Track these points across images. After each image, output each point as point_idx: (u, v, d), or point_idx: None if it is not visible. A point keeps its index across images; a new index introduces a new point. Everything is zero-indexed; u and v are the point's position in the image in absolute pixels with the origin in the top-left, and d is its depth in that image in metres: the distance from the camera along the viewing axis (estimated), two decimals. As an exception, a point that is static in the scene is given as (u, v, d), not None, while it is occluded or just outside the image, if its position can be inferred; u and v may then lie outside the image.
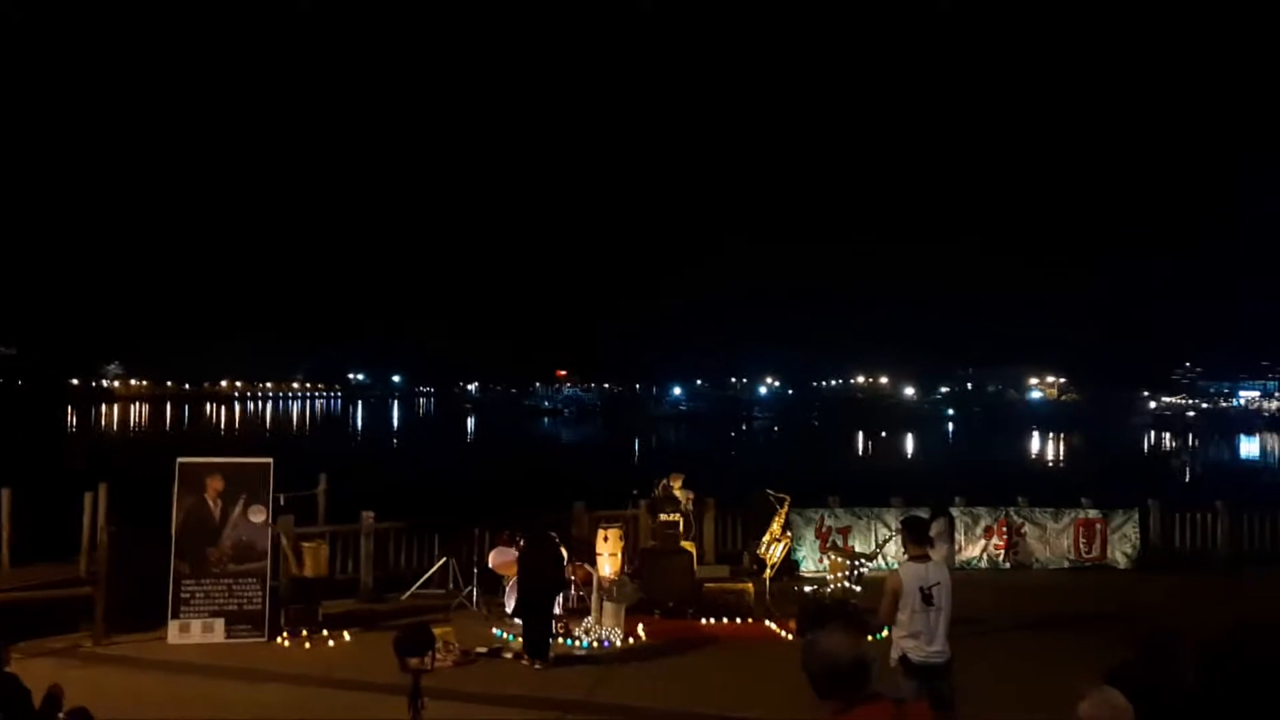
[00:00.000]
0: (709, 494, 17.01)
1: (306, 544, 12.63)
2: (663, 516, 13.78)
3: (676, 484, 14.59)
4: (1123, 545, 17.82)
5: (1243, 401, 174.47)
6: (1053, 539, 17.75)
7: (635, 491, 14.75)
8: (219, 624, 11.81)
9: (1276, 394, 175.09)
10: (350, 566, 14.48)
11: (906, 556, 7.97)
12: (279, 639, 11.87)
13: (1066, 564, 17.62)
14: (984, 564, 17.46)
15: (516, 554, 13.00)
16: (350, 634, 12.12)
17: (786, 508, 14.15)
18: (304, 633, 12.01)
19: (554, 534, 12.24)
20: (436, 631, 11.56)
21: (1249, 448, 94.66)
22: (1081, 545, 17.81)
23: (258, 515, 12.12)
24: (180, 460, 12.22)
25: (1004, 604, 14.49)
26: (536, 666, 10.96)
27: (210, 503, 12.04)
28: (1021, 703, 9.71)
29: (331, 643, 11.87)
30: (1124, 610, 14.15)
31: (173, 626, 11.71)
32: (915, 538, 7.95)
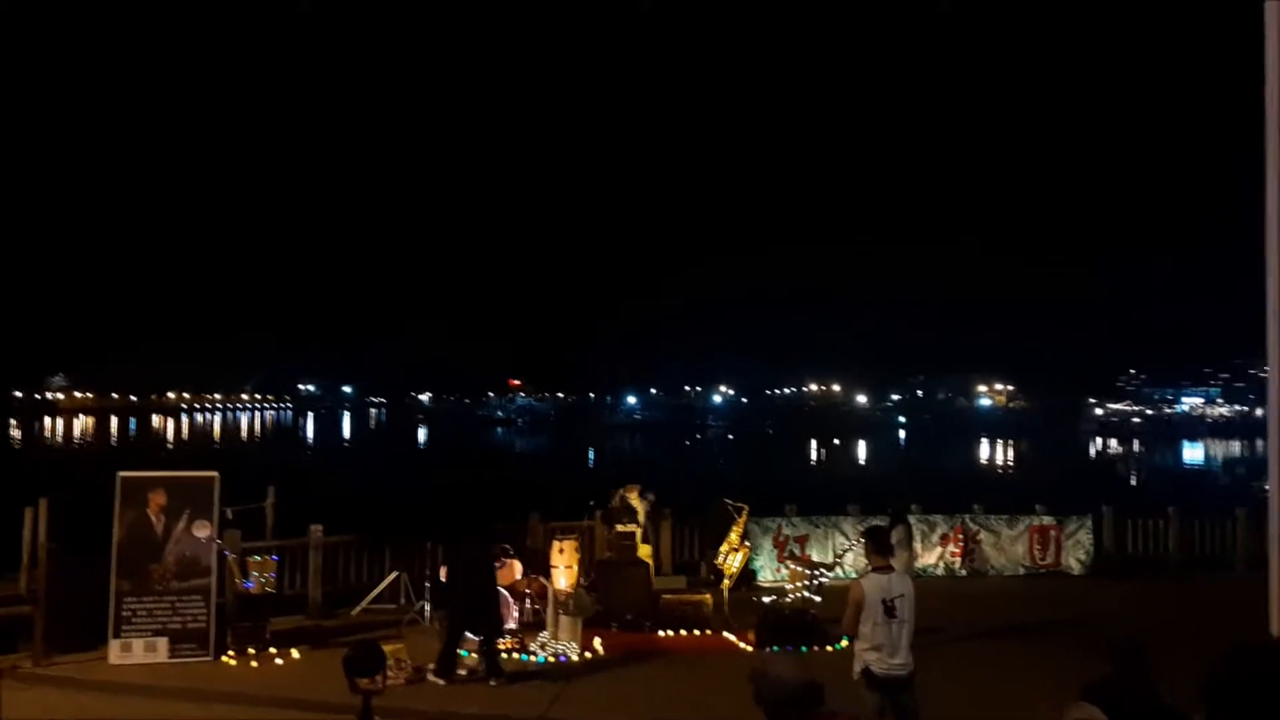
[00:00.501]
0: (665, 504, 16.90)
1: (252, 559, 12.27)
2: (619, 528, 13.61)
3: (633, 495, 14.41)
4: (1076, 551, 17.93)
5: (1186, 408, 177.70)
6: (1008, 546, 17.81)
7: (592, 502, 14.55)
8: (162, 643, 11.42)
9: (1219, 400, 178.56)
10: (299, 581, 14.13)
11: (869, 567, 7.85)
12: (224, 658, 11.52)
13: (1022, 570, 17.68)
14: (940, 571, 17.48)
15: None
16: (299, 651, 11.78)
17: (745, 517, 14.02)
18: (251, 651, 11.66)
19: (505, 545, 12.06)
20: (388, 648, 11.28)
21: (1193, 454, 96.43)
22: (1036, 552, 17.89)
23: (202, 530, 11.77)
24: (121, 475, 11.84)
25: (961, 611, 14.46)
26: (492, 683, 10.72)
27: (153, 518, 11.66)
28: (978, 711, 9.61)
29: (279, 661, 11.54)
30: (1080, 617, 14.19)
31: (114, 646, 11.30)
32: (878, 548, 7.83)
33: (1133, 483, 58.20)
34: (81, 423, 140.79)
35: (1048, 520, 18.03)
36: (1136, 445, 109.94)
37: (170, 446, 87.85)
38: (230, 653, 11.61)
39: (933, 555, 17.55)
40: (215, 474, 12.17)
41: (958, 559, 17.61)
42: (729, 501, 14.16)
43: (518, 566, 12.99)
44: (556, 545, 13.49)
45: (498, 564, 12.82)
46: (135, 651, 11.32)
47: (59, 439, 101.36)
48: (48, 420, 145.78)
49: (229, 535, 13.75)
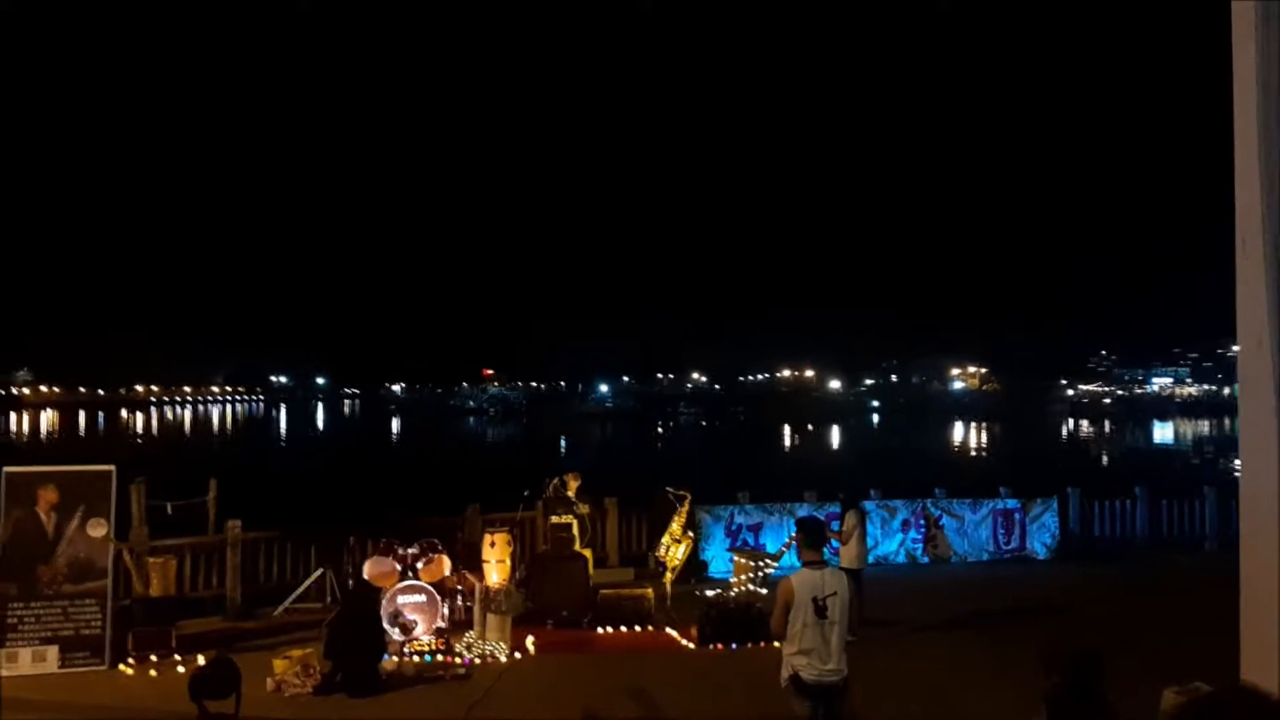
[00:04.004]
0: (613, 493, 16.09)
1: (153, 559, 11.37)
2: (554, 519, 12.78)
3: (574, 483, 13.58)
4: (1041, 535, 17.30)
5: (1156, 388, 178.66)
6: (971, 530, 17.16)
7: (526, 492, 13.69)
8: (52, 652, 10.50)
9: (1189, 380, 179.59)
10: (216, 581, 13.25)
11: (801, 563, 7.07)
12: (122, 666, 10.62)
13: (986, 556, 17.05)
14: (901, 558, 16.81)
15: (394, 564, 11.94)
16: (205, 657, 10.88)
17: (687, 505, 13.22)
18: (153, 658, 10.79)
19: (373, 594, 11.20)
20: (298, 653, 10.51)
21: (1163, 433, 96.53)
22: (1000, 536, 17.24)
23: (97, 529, 10.84)
24: (7, 470, 10.88)
25: (920, 601, 13.81)
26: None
27: (42, 516, 10.70)
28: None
29: (182, 669, 10.59)
30: (1045, 604, 13.57)
31: (-3, 656, 10.40)
32: (811, 541, 7.04)
33: (1103, 463, 57.85)
34: (48, 417, 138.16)
35: (1011, 504, 17.37)
36: (1107, 426, 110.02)
37: (140, 441, 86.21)
38: (130, 660, 10.73)
39: (893, 542, 16.87)
40: (111, 468, 11.21)
41: (919, 545, 16.93)
42: (670, 490, 13.35)
43: (446, 562, 12.14)
44: (488, 538, 12.70)
45: (423, 560, 12.00)
46: (21, 662, 10.38)
47: (23, 434, 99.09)
48: (12, 415, 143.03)
49: (136, 533, 12.87)
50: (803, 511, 15.79)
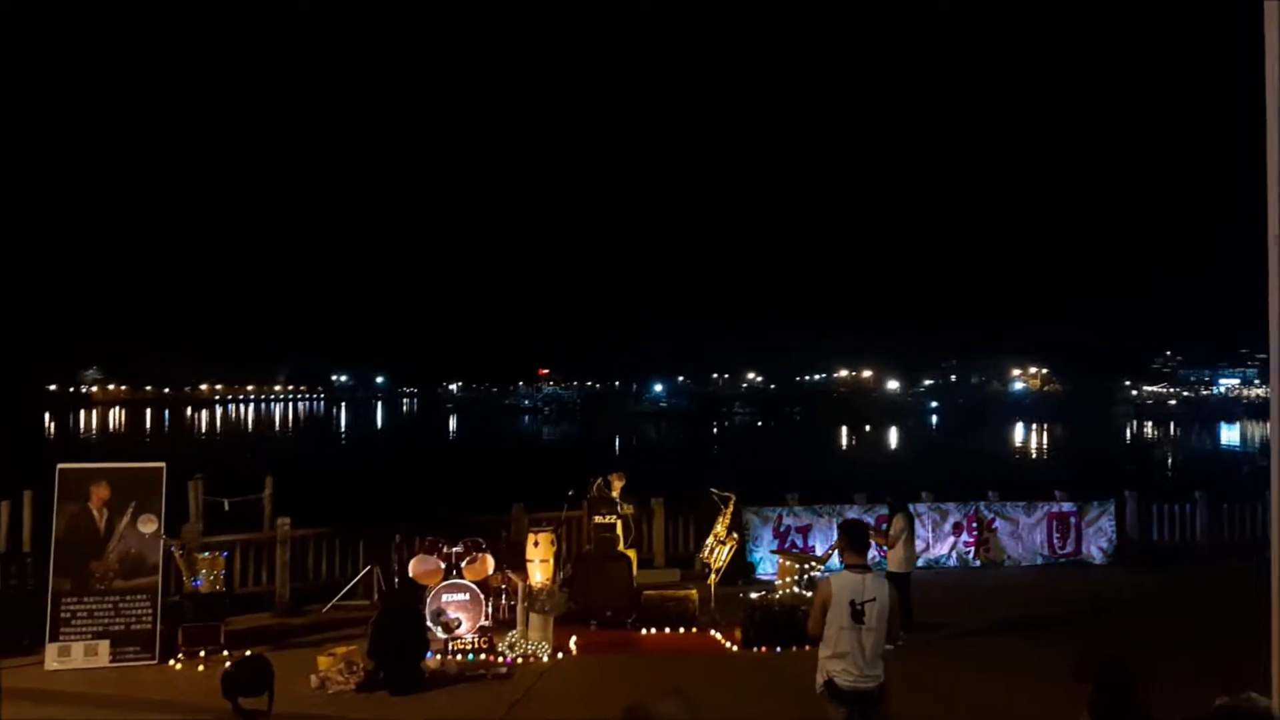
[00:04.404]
0: (661, 493, 16.04)
1: (201, 556, 11.51)
2: (598, 519, 12.73)
3: (619, 483, 13.53)
4: (1098, 539, 16.93)
5: (1223, 389, 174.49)
6: (1025, 534, 16.84)
7: (571, 492, 13.67)
8: (103, 646, 10.69)
9: (1256, 381, 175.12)
10: (266, 577, 13.41)
11: (842, 566, 6.96)
12: (172, 661, 10.78)
13: (1040, 560, 16.72)
14: (953, 562, 16.54)
15: (439, 563, 11.98)
16: (250, 653, 11.00)
17: (731, 507, 13.10)
18: (202, 654, 10.93)
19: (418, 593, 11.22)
20: (342, 650, 10.59)
21: (1230, 436, 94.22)
22: (1055, 540, 16.90)
23: (148, 525, 11.01)
24: (61, 466, 11.09)
25: (969, 605, 13.57)
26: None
27: (95, 512, 10.91)
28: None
29: (230, 664, 10.78)
30: (1099, 609, 13.30)
31: (51, 650, 10.57)
32: (854, 545, 6.91)
33: (1167, 466, 56.62)
34: (115, 415, 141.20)
35: (1066, 507, 17.01)
36: (1172, 428, 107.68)
37: (203, 437, 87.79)
38: (180, 656, 10.89)
39: (944, 545, 16.61)
40: (162, 465, 11.38)
41: (971, 548, 16.65)
42: (714, 491, 13.24)
43: (490, 561, 12.15)
44: (531, 537, 12.70)
45: (468, 558, 12.03)
46: (74, 656, 10.59)
47: (94, 431, 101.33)
48: (82, 413, 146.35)
49: (188, 529, 13.06)
50: (852, 514, 15.62)
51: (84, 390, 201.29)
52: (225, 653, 10.99)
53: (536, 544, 12.55)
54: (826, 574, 8.32)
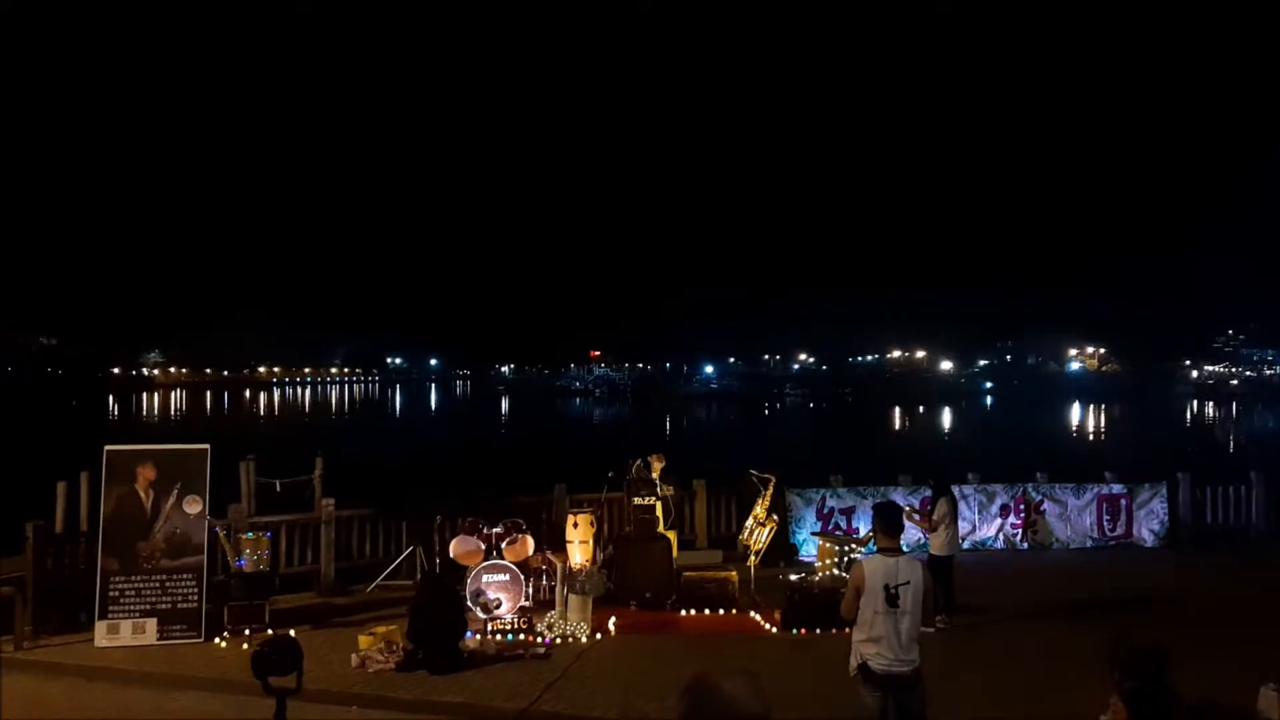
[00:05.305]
0: (704, 474, 16.01)
1: (245, 537, 11.68)
2: (637, 500, 12.73)
3: (658, 465, 13.52)
4: (1150, 522, 16.62)
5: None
6: (1074, 516, 16.57)
7: (611, 473, 13.67)
8: (151, 624, 10.90)
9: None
10: (311, 557, 13.58)
11: (876, 548, 6.89)
12: (217, 640, 10.97)
13: (1089, 543, 16.45)
14: (1000, 544, 16.33)
15: (479, 543, 12.06)
16: (297, 632, 11.15)
17: (771, 489, 13.03)
18: (246, 632, 11.11)
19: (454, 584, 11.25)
20: (382, 629, 10.69)
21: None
22: (1105, 523, 16.62)
23: (193, 506, 11.20)
24: (108, 448, 11.31)
25: (1016, 589, 13.37)
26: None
27: (141, 493, 11.12)
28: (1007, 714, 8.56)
29: (259, 644, 10.93)
30: (1149, 594, 13.03)
31: (100, 628, 10.81)
32: (887, 527, 6.83)
33: (1228, 448, 55.45)
34: (176, 397, 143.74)
35: (1117, 489, 16.71)
36: (1234, 409, 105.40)
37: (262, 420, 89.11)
38: (225, 634, 11.07)
39: (991, 527, 16.40)
40: (206, 446, 11.56)
41: (1018, 531, 16.43)
42: (754, 473, 13.18)
43: (529, 542, 12.21)
44: (570, 519, 12.74)
45: (508, 539, 12.09)
46: (123, 633, 10.81)
47: (155, 414, 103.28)
48: (144, 395, 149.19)
49: (235, 510, 13.24)
50: (896, 496, 15.47)
51: (146, 374, 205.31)
52: (269, 631, 11.15)
53: (576, 525, 12.59)
54: (862, 557, 8.22)
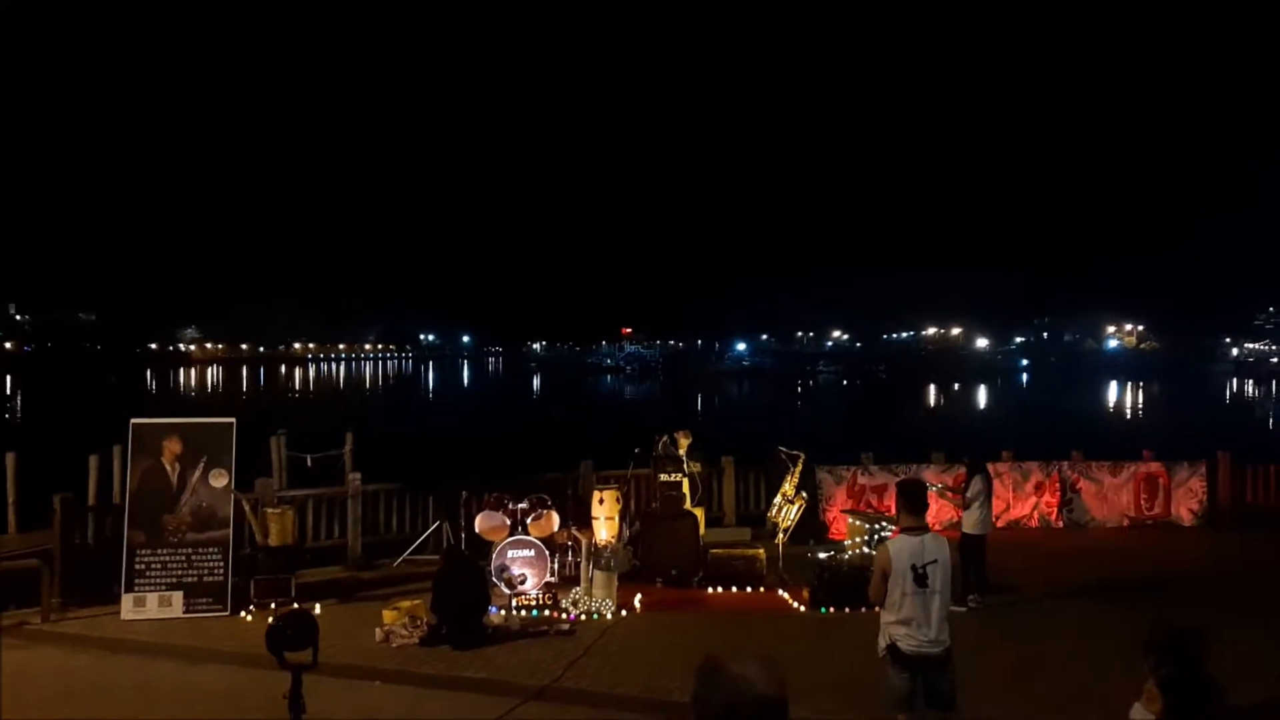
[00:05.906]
0: (732, 451, 15.85)
1: (271, 510, 11.66)
2: (663, 477, 12.60)
3: (685, 441, 13.38)
4: (1188, 501, 16.30)
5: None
6: (1111, 495, 16.28)
7: (637, 449, 13.55)
8: (177, 597, 10.91)
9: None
10: (338, 532, 13.57)
11: (900, 526, 6.71)
12: (243, 613, 10.96)
13: (1126, 522, 16.16)
14: (1035, 523, 16.07)
15: (504, 519, 11.98)
16: (322, 606, 11.14)
17: (800, 466, 12.86)
18: (273, 606, 11.08)
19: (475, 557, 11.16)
20: (406, 604, 10.65)
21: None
22: (1142, 501, 16.32)
23: (219, 480, 11.18)
24: (134, 421, 11.32)
25: (1050, 567, 13.15)
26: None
27: (167, 467, 11.11)
28: (1051, 701, 8.36)
29: (274, 619, 10.90)
30: (1186, 574, 12.77)
31: (126, 600, 10.83)
32: (911, 506, 6.64)
33: (1266, 426, 54.58)
34: (213, 373, 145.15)
35: (1155, 467, 16.40)
36: (1275, 386, 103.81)
37: (295, 395, 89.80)
38: (251, 607, 11.06)
39: (1026, 505, 16.14)
40: (232, 420, 11.54)
41: (1054, 509, 16.16)
42: (783, 450, 13.00)
43: (555, 518, 12.13)
44: (596, 495, 12.65)
45: (533, 515, 12.01)
46: (149, 606, 10.83)
47: (191, 389, 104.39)
48: (181, 371, 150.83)
49: (262, 484, 13.24)
50: (929, 474, 15.25)
51: (183, 349, 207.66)
52: (296, 605, 11.12)
53: (601, 501, 12.50)
54: (888, 537, 8.05)
